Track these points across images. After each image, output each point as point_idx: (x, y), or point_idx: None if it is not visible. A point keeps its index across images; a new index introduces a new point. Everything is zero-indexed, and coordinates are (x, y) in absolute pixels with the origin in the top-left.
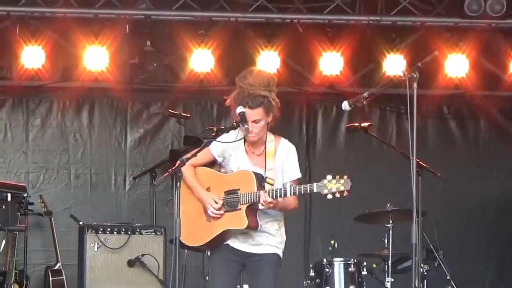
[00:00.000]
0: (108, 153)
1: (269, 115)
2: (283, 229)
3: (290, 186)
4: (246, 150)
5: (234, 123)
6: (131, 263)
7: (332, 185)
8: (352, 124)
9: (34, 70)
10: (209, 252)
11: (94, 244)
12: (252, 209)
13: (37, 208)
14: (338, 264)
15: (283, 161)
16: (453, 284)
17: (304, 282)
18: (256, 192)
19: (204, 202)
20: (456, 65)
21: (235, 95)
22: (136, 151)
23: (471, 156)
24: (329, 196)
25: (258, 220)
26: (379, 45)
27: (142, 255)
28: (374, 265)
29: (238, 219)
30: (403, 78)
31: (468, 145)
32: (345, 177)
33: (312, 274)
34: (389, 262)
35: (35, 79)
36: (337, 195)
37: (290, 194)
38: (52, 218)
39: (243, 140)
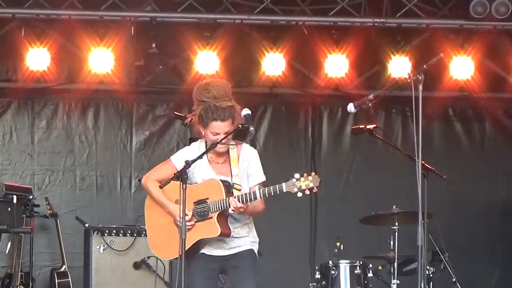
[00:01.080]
0: (113, 155)
1: (234, 123)
2: (254, 231)
3: (259, 188)
4: (209, 160)
5: (240, 125)
6: (136, 265)
7: (301, 183)
8: (357, 126)
9: (39, 72)
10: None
11: (100, 246)
12: (223, 216)
13: (43, 210)
14: (344, 266)
15: (247, 166)
16: (459, 286)
17: (310, 284)
18: (225, 199)
19: (173, 215)
20: (462, 67)
21: (201, 111)
22: (142, 153)
23: (477, 158)
24: (299, 194)
25: (230, 227)
26: (385, 47)
27: (148, 257)
28: (380, 267)
29: (211, 228)
30: (409, 80)
31: (474, 147)
32: (313, 173)
33: (318, 276)
34: (395, 264)
35: (40, 81)
36: (307, 192)
37: (260, 197)
38: (58, 220)
39: (205, 150)
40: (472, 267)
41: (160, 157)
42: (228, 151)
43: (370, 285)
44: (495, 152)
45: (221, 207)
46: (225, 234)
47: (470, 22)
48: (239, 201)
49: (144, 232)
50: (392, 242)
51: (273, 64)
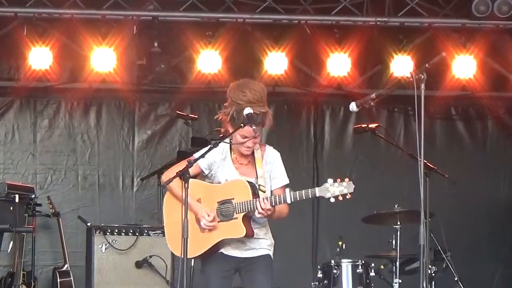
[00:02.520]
0: (115, 154)
1: (265, 127)
2: (270, 233)
3: (290, 191)
4: (233, 161)
5: (242, 125)
6: (139, 265)
7: (335, 189)
8: (359, 125)
9: (41, 71)
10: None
11: (102, 246)
12: (248, 217)
13: (45, 209)
14: (346, 265)
15: (270, 169)
16: (461, 286)
17: (312, 283)
18: (253, 201)
19: (195, 213)
20: (464, 66)
21: (233, 112)
22: (144, 152)
23: (479, 157)
24: (332, 200)
25: (253, 228)
26: (387, 46)
27: (150, 257)
28: (382, 266)
29: (236, 228)
30: (411, 79)
31: (476, 146)
32: (347, 179)
33: (320, 275)
34: (397, 263)
35: (42, 80)
36: (340, 198)
37: (291, 200)
38: (60, 219)
39: (229, 150)
40: (474, 266)
41: (162, 156)
42: (252, 152)
43: (372, 284)
44: (497, 151)
45: (247, 208)
46: (249, 235)
47: (472, 21)
48: (267, 203)
49: (146, 231)
50: (394, 241)
51: (275, 63)
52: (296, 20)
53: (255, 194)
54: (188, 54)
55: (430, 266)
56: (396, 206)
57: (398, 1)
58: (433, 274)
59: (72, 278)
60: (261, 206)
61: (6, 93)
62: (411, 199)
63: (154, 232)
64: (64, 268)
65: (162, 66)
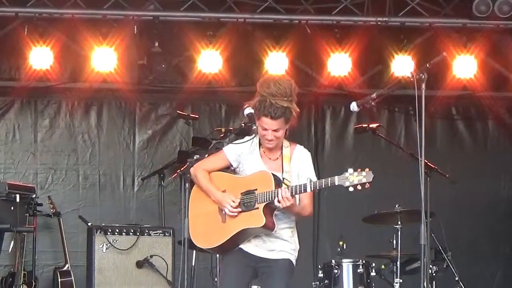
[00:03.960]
0: (116, 154)
1: (288, 124)
2: (296, 236)
3: (310, 180)
4: (261, 155)
5: (242, 124)
6: (139, 264)
7: (354, 177)
8: (360, 125)
9: (42, 71)
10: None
11: (103, 245)
12: (269, 209)
13: (46, 209)
14: (347, 265)
15: (298, 167)
16: (462, 285)
17: (313, 283)
18: (274, 190)
19: (220, 202)
20: (465, 66)
21: (257, 103)
22: (145, 152)
23: (479, 156)
24: (351, 189)
25: (275, 221)
26: (388, 46)
27: (151, 256)
28: (383, 266)
29: (255, 218)
30: (412, 79)
31: (476, 146)
32: (367, 169)
33: (320, 275)
34: (398, 263)
35: (43, 80)
36: (359, 187)
37: (311, 189)
38: (61, 219)
39: (258, 145)
40: (475, 266)
41: (163, 156)
42: (281, 149)
43: (373, 284)
44: (498, 150)
45: (268, 197)
46: (269, 227)
47: (473, 21)
48: (288, 192)
49: (146, 231)
50: (395, 241)
51: (276, 63)
52: (297, 20)
53: (279, 186)
54: (189, 54)
55: (430, 266)
56: (396, 206)
57: (398, 1)
58: (434, 274)
59: (73, 278)
60: (281, 194)
61: (7, 93)
62: (412, 199)
63: (155, 232)
64: (65, 268)
65: (163, 66)
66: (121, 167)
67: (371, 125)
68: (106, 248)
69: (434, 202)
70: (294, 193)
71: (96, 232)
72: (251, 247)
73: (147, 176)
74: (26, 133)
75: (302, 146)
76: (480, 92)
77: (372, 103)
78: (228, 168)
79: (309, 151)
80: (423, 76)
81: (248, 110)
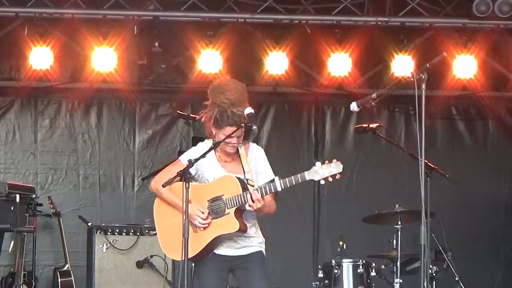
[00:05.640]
0: (116, 154)
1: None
2: (259, 231)
3: (279, 179)
4: (218, 159)
5: (242, 125)
6: (139, 264)
7: (324, 170)
8: (360, 125)
9: (42, 71)
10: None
11: (103, 245)
12: (239, 212)
13: (46, 209)
14: (347, 265)
15: (255, 164)
16: (462, 285)
17: (313, 283)
18: (243, 194)
19: (189, 215)
20: (465, 66)
21: (216, 114)
22: (145, 152)
23: (480, 156)
24: (322, 182)
25: (245, 223)
26: (388, 46)
27: (151, 256)
28: (383, 266)
29: (229, 223)
30: (412, 79)
31: (477, 146)
32: (335, 160)
33: (320, 275)
34: (398, 263)
35: (43, 80)
36: (330, 179)
37: (281, 187)
38: (61, 219)
39: (213, 150)
40: (475, 266)
41: (163, 156)
42: (236, 150)
43: (373, 284)
44: (498, 150)
45: (238, 202)
46: (243, 230)
47: (473, 21)
48: (258, 194)
49: (147, 231)
50: (395, 241)
51: (276, 63)
52: (297, 20)
53: (245, 188)
54: (189, 54)
55: (431, 266)
56: (397, 206)
57: (398, 1)
58: (434, 274)
59: (73, 278)
60: (251, 197)
61: (7, 93)
62: (412, 199)
63: (155, 232)
64: (65, 268)
65: (163, 66)
66: (121, 167)
67: (371, 125)
68: (106, 248)
69: (434, 202)
70: (264, 194)
71: (96, 232)
72: (223, 249)
73: (147, 176)
74: (26, 133)
75: (255, 144)
76: (480, 92)
77: (372, 103)
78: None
79: (309, 151)
80: (423, 76)
81: (248, 110)
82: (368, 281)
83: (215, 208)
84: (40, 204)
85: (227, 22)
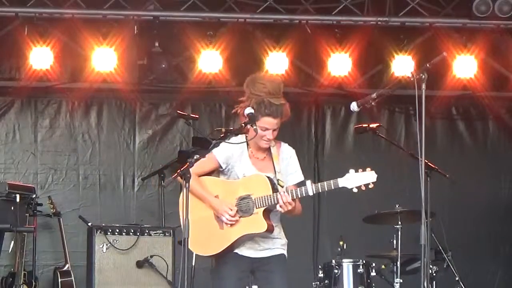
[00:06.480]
0: (116, 154)
1: (282, 120)
2: (283, 232)
3: (311, 183)
4: (250, 156)
5: (242, 124)
6: (140, 264)
7: (357, 178)
8: (360, 125)
9: (42, 71)
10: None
11: (103, 245)
12: (268, 212)
13: (46, 209)
14: (347, 265)
15: (286, 165)
16: (462, 285)
17: (313, 283)
18: (273, 195)
19: (216, 210)
20: (465, 66)
21: (254, 104)
22: (145, 152)
23: (480, 156)
24: (355, 190)
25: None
26: (388, 46)
27: (151, 256)
28: (383, 266)
29: (257, 223)
30: (412, 79)
31: (477, 146)
32: (369, 169)
33: (320, 275)
34: (398, 263)
35: (43, 80)
36: (363, 187)
37: (313, 192)
38: (61, 219)
39: (246, 145)
40: (475, 266)
41: (163, 156)
42: (269, 148)
43: (373, 284)
44: (498, 150)
45: (268, 202)
46: (270, 231)
47: (473, 21)
48: (289, 196)
49: (147, 231)
50: (395, 241)
51: (276, 63)
52: (297, 20)
53: (275, 189)
54: (189, 54)
55: (431, 266)
56: (397, 206)
57: (398, 1)
58: (434, 274)
59: (73, 278)
60: (282, 199)
61: (7, 93)
62: (412, 199)
63: (155, 232)
64: (65, 268)
65: (163, 66)
66: (121, 167)
67: (371, 125)
68: (106, 248)
69: (434, 202)
70: (295, 197)
71: (96, 232)
72: (245, 250)
73: (147, 176)
74: (26, 133)
75: (287, 144)
76: (480, 92)
77: (372, 103)
78: (215, 171)
79: (309, 151)
80: (423, 76)
81: (248, 110)
82: (368, 281)
83: (244, 207)
84: (40, 204)
85: (227, 22)
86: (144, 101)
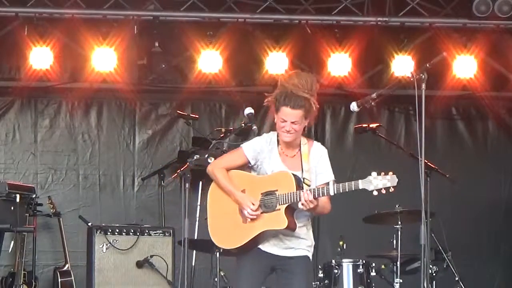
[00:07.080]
0: (116, 154)
1: (307, 120)
2: (311, 232)
3: (333, 183)
4: (279, 153)
5: (243, 124)
6: (139, 264)
7: (378, 181)
8: (360, 125)
9: (42, 71)
10: (217, 253)
11: (103, 245)
12: (291, 210)
13: (46, 209)
14: (347, 265)
15: (316, 164)
16: (462, 285)
17: (313, 283)
18: (296, 192)
19: (240, 203)
20: (465, 66)
21: (277, 95)
22: (145, 152)
23: (480, 156)
24: (375, 193)
25: (296, 222)
26: (388, 46)
27: (151, 256)
28: (383, 266)
29: (278, 220)
30: (412, 79)
31: (477, 146)
32: (391, 173)
33: (320, 275)
34: (398, 263)
35: (43, 80)
36: (383, 191)
37: (334, 192)
38: (61, 219)
39: (276, 142)
40: (475, 266)
41: (163, 156)
42: (299, 146)
43: (373, 284)
44: (498, 150)
45: (290, 199)
46: (291, 228)
47: (473, 21)
48: (310, 195)
49: (146, 231)
50: (395, 241)
51: (276, 63)
52: (297, 20)
53: (299, 187)
54: (189, 54)
55: (431, 266)
56: (397, 206)
57: (398, 1)
58: (434, 274)
59: (73, 278)
60: (304, 197)
61: (7, 93)
62: (412, 199)
63: (155, 232)
64: (65, 268)
65: (163, 66)
66: (121, 167)
67: (371, 125)
68: (106, 248)
69: (434, 202)
70: (316, 196)
71: (96, 232)
72: (269, 246)
73: (147, 176)
74: (26, 133)
75: (319, 143)
76: (480, 92)
77: (372, 103)
78: (245, 166)
79: None
80: (423, 76)
81: (248, 110)
82: (368, 281)
83: (267, 202)
84: (40, 204)
85: (227, 22)
86: (144, 101)
